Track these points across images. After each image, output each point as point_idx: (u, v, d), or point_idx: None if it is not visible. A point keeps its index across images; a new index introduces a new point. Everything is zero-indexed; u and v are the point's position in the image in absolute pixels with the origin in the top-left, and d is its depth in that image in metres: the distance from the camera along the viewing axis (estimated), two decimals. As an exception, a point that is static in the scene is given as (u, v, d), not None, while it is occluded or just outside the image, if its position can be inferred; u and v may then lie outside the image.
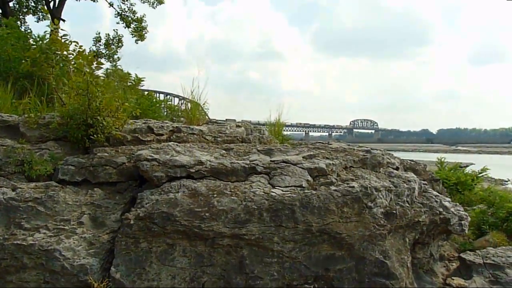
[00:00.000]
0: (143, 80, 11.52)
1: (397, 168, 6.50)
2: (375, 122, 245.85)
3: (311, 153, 5.56)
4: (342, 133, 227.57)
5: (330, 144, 7.04)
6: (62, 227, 4.41)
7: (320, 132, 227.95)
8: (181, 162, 4.91)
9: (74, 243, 4.29)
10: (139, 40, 19.94)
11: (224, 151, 5.54)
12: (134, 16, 19.82)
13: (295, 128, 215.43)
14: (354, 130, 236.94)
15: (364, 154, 5.92)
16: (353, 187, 4.80)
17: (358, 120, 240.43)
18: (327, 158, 5.46)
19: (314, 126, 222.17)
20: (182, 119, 7.62)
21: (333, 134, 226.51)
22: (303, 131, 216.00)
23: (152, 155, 5.04)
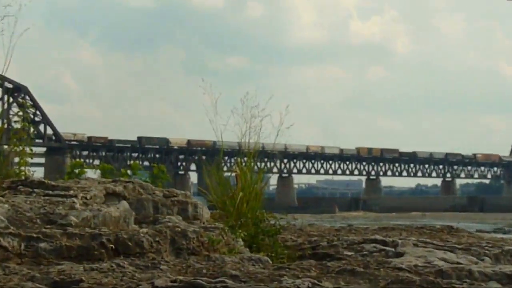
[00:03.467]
0: None
1: None
2: None
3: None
4: (490, 177, 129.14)
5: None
6: None
7: (411, 174, 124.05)
8: None
9: None
10: None
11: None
12: None
13: (345, 166, 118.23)
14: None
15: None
16: None
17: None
18: None
19: (399, 157, 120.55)
20: None
21: (457, 180, 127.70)
22: (367, 170, 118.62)
23: None
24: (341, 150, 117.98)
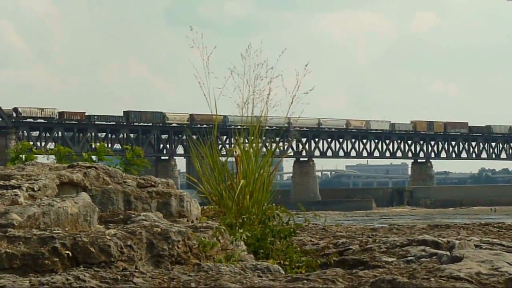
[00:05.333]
0: None
1: None
2: None
3: None
4: None
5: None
6: None
7: (473, 156, 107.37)
8: None
9: None
10: None
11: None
12: None
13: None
14: None
15: None
16: None
17: None
18: None
19: (468, 134, 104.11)
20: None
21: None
22: (414, 151, 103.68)
23: None
24: (392, 124, 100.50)
